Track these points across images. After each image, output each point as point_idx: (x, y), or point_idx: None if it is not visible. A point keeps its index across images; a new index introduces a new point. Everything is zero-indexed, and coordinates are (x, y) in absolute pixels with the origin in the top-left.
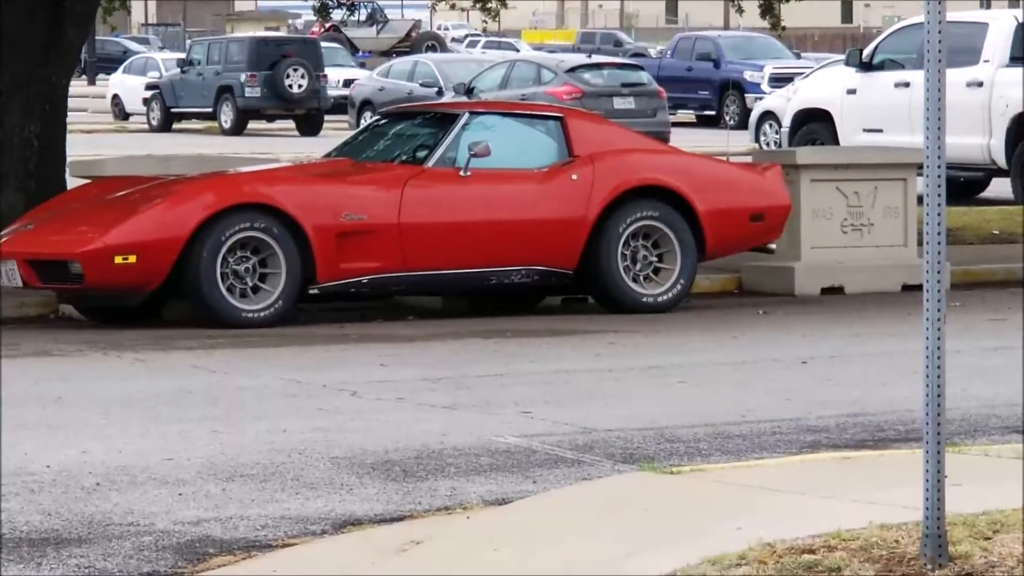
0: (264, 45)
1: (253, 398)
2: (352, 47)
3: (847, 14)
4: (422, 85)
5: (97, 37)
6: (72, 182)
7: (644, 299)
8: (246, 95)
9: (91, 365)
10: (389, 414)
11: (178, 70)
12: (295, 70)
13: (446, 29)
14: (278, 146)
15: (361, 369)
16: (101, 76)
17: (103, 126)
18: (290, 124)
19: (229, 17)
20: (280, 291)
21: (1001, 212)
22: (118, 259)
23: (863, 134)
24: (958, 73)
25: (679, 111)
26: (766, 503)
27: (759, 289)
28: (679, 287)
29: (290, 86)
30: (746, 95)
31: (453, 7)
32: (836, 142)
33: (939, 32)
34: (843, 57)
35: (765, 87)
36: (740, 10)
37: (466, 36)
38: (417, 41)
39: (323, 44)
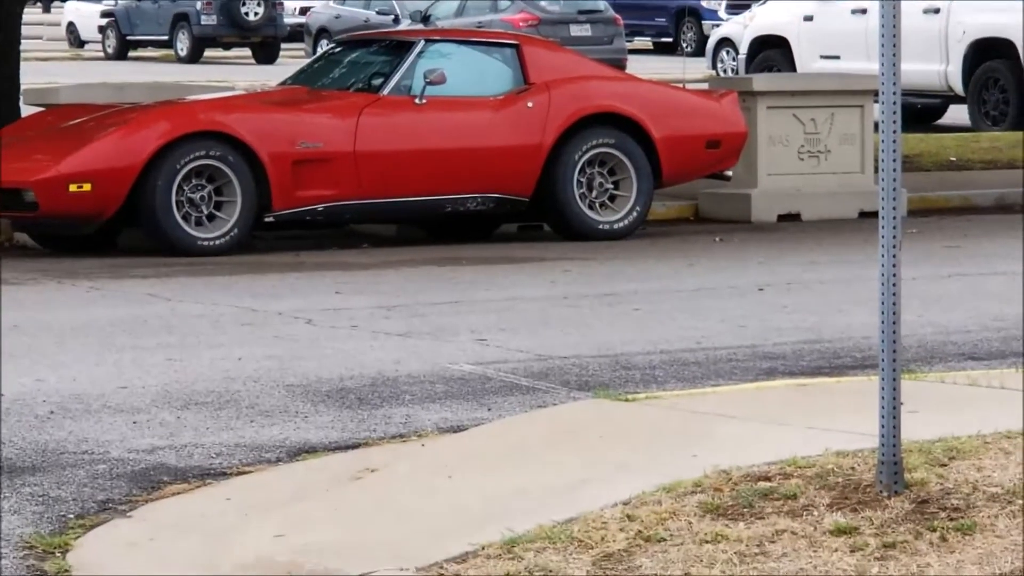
0: None
1: (208, 326)
2: None
3: None
4: (378, 13)
5: None
6: (27, 111)
7: (600, 226)
8: (202, 23)
9: (45, 293)
10: (344, 342)
11: None
12: None
13: None
14: (235, 74)
15: (316, 297)
16: (56, 3)
17: (58, 54)
18: (246, 52)
19: None
20: (235, 219)
21: (958, 139)
22: (72, 187)
23: (820, 61)
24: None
25: (636, 38)
26: (721, 430)
27: (715, 216)
28: (635, 214)
29: (246, 14)
30: (703, 22)
31: None
32: (793, 69)
33: None
34: None
35: (723, 14)
36: None
37: None
38: None
39: None
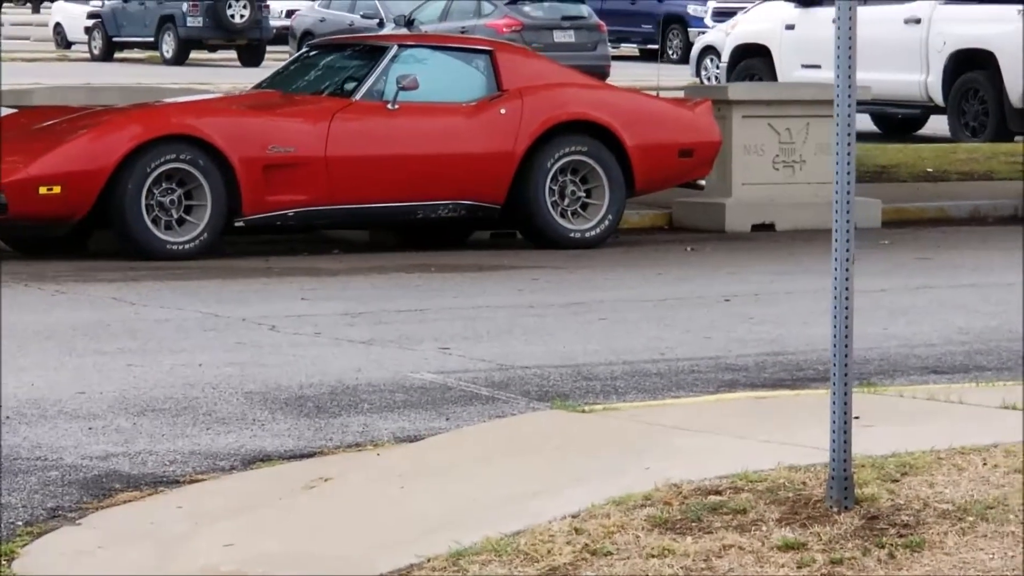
0: None
1: (171, 331)
2: None
3: None
4: (364, 16)
5: None
6: (4, 112)
7: (572, 234)
8: (188, 24)
9: (10, 296)
10: (306, 349)
11: None
12: (237, 0)
13: None
14: (220, 76)
15: (282, 303)
16: (45, 4)
17: (45, 55)
18: (232, 54)
19: None
20: (205, 223)
21: (936, 150)
22: (42, 189)
23: (801, 70)
24: (896, 9)
25: (622, 45)
26: (677, 443)
27: (690, 225)
28: (607, 223)
29: (232, 16)
30: (689, 29)
31: None
32: (774, 78)
33: None
34: None
35: (708, 21)
36: None
37: None
38: None
39: None
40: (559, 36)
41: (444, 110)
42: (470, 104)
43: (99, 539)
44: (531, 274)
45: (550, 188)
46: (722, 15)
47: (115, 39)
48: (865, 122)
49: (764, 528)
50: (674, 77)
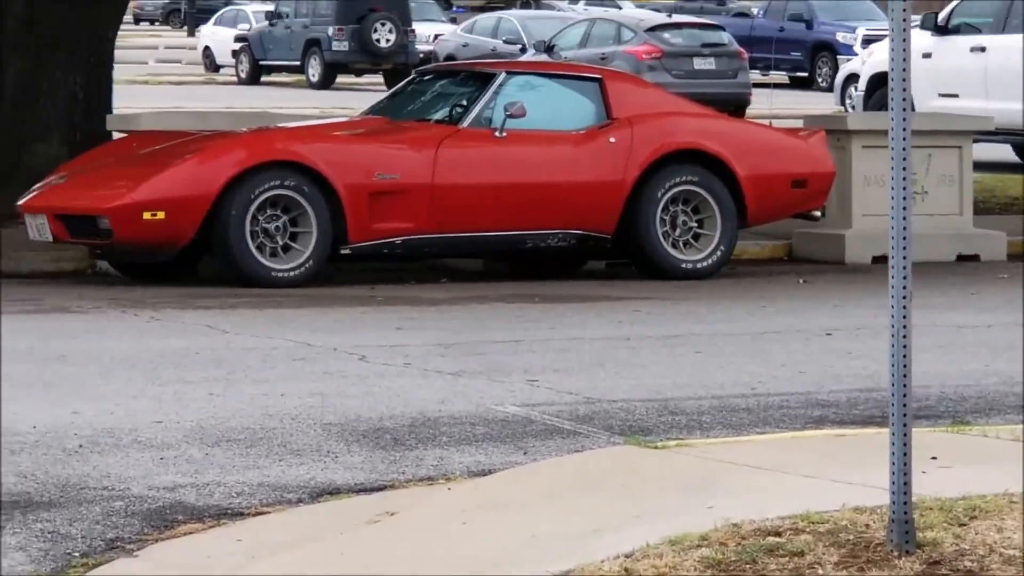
0: None
1: (259, 360)
2: (447, 2)
3: None
4: (505, 42)
5: None
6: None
7: (683, 265)
8: (333, 49)
9: (105, 323)
10: (393, 379)
11: (267, 23)
12: (383, 24)
13: None
14: (365, 101)
15: (376, 332)
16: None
17: (193, 78)
18: (378, 78)
19: None
20: (311, 251)
21: None
22: (146, 215)
23: (938, 99)
24: None
25: (771, 72)
26: (745, 481)
27: (809, 256)
28: (719, 254)
29: (377, 40)
30: (838, 57)
31: None
32: (911, 107)
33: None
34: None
35: (858, 49)
36: None
37: None
38: None
39: None
40: (699, 63)
41: (552, 138)
42: (579, 132)
43: (152, 571)
44: (634, 305)
45: (661, 218)
46: (871, 42)
47: (262, 63)
48: (1006, 152)
49: (820, 571)
50: (821, 105)
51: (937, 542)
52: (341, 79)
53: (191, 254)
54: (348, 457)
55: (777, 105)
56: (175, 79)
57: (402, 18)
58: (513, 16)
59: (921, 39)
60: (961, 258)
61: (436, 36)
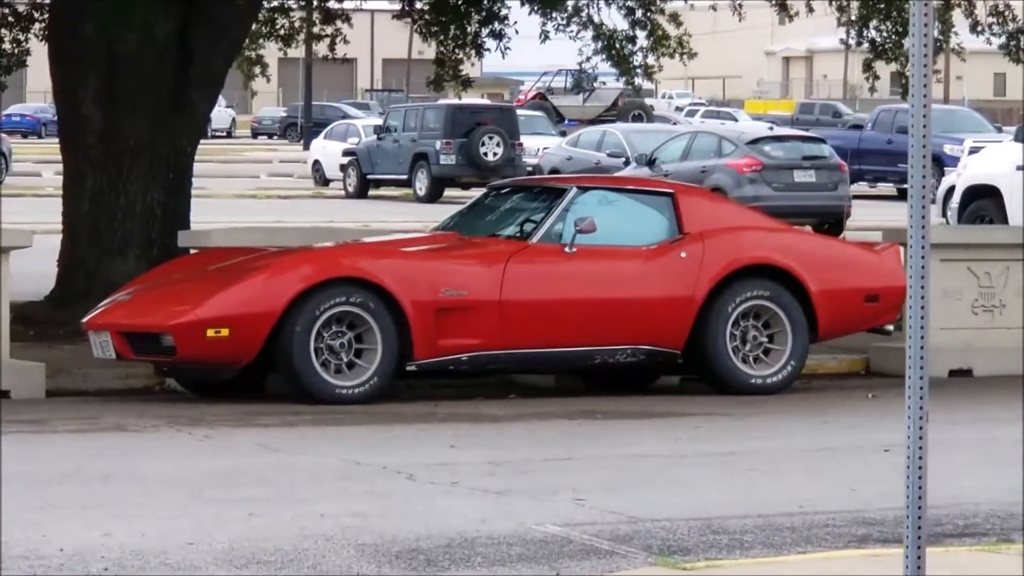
0: (460, 112)
1: (305, 479)
2: (558, 115)
3: None
4: (609, 155)
5: (317, 102)
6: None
7: (753, 380)
8: (441, 162)
9: (158, 441)
10: (437, 499)
11: (375, 136)
12: (490, 138)
13: (670, 97)
14: None
15: (429, 450)
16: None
17: (301, 192)
18: None
19: (450, 83)
20: (376, 367)
21: None
22: (210, 332)
23: None
24: None
25: (879, 184)
26: None
27: (886, 371)
28: (789, 368)
29: (485, 154)
30: (945, 168)
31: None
32: (1005, 219)
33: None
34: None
35: (964, 161)
36: (875, 77)
37: (689, 104)
38: (624, 110)
39: (528, 112)
40: (799, 176)
41: (623, 253)
42: (650, 247)
43: None
44: (696, 421)
45: (731, 333)
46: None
47: (369, 176)
48: None
49: None
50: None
51: None
52: (449, 192)
53: (259, 370)
54: None
55: (879, 216)
56: (283, 193)
57: (510, 132)
58: (618, 130)
59: (1015, 151)
60: None
61: (542, 149)
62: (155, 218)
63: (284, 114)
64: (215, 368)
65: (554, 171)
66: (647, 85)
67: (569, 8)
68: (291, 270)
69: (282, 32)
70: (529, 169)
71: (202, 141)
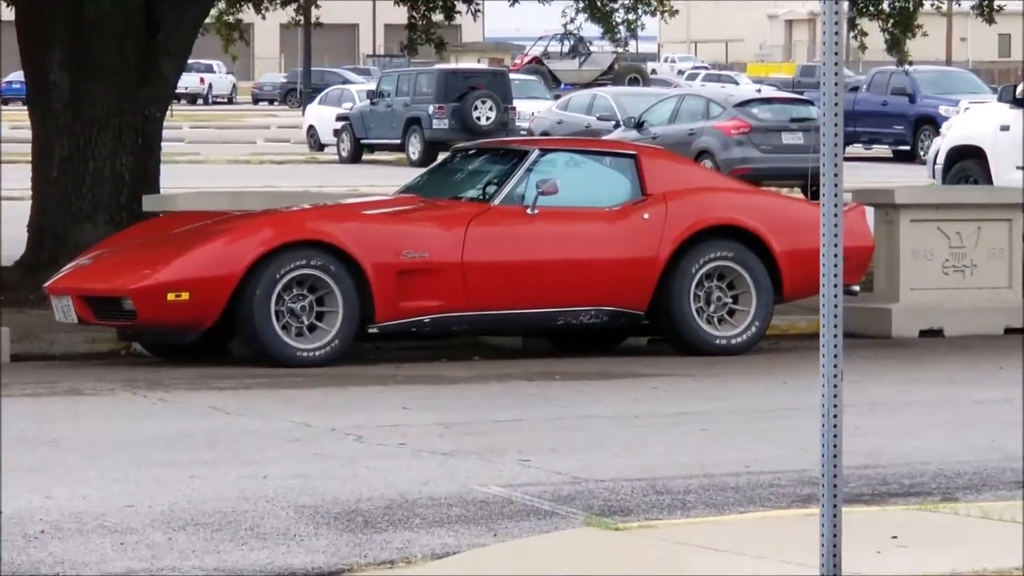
0: (452, 77)
1: (253, 441)
2: (554, 79)
3: None
4: (599, 118)
5: (318, 68)
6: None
7: (717, 341)
8: (434, 127)
9: (111, 405)
10: (382, 460)
11: (368, 101)
12: (483, 102)
13: (672, 61)
14: None
15: (381, 412)
16: None
17: (295, 157)
18: None
19: (454, 48)
20: (337, 330)
21: None
22: (171, 296)
23: (1017, 171)
24: None
25: (874, 146)
26: (695, 564)
27: (856, 331)
28: (754, 329)
29: (478, 118)
30: (940, 130)
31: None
32: (989, 180)
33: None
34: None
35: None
36: (863, 47)
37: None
38: (620, 73)
39: (523, 76)
40: (787, 138)
41: (585, 215)
42: (612, 209)
43: None
44: (655, 382)
45: (695, 294)
46: None
47: (363, 141)
48: None
49: None
50: (921, 178)
51: None
52: (442, 156)
53: (223, 334)
54: (314, 541)
55: (873, 178)
56: (278, 158)
57: (503, 96)
58: (608, 93)
59: (1001, 112)
60: (1010, 331)
61: (534, 113)
62: (124, 184)
63: (284, 80)
64: (177, 332)
65: (544, 134)
66: (649, 49)
67: None
68: (252, 234)
69: None
70: (523, 132)
71: (202, 107)
